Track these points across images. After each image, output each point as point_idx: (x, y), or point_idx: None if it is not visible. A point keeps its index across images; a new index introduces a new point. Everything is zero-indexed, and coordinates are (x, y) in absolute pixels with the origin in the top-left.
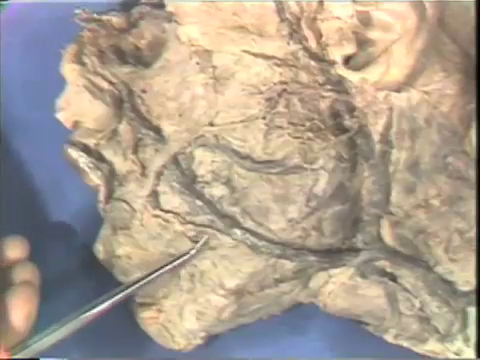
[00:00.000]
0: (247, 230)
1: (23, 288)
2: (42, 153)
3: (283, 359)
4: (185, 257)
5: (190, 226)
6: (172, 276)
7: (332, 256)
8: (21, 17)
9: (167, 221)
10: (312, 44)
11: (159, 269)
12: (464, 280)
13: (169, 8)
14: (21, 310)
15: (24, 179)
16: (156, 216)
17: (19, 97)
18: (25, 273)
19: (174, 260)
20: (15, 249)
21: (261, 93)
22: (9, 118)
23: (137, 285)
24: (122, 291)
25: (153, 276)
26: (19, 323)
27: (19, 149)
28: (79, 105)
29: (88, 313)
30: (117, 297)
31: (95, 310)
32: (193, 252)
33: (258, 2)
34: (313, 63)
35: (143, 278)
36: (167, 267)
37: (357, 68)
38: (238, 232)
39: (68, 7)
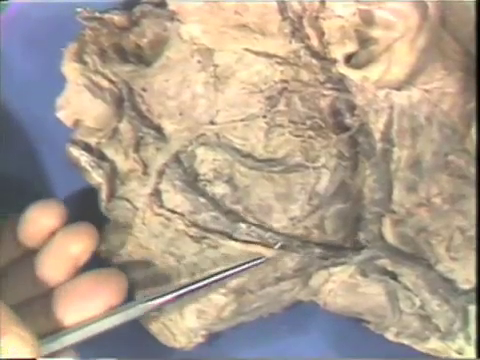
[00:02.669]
0: (252, 224)
1: (113, 275)
2: (42, 152)
3: (284, 359)
4: (256, 262)
5: (192, 225)
6: (172, 275)
7: (336, 250)
8: (22, 16)
9: (169, 220)
10: (314, 42)
11: (219, 273)
12: (465, 278)
13: (171, 7)
14: (102, 300)
15: (24, 177)
16: (158, 214)
17: (19, 96)
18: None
19: (242, 264)
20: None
21: (261, 92)
22: (9, 117)
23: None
24: (173, 292)
25: (212, 280)
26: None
27: (19, 148)
28: (79, 104)
29: (125, 311)
30: (165, 298)
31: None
32: (263, 259)
33: (260, 1)
34: (314, 61)
35: (198, 281)
36: (234, 270)
37: (358, 66)
38: (243, 226)
39: (69, 6)
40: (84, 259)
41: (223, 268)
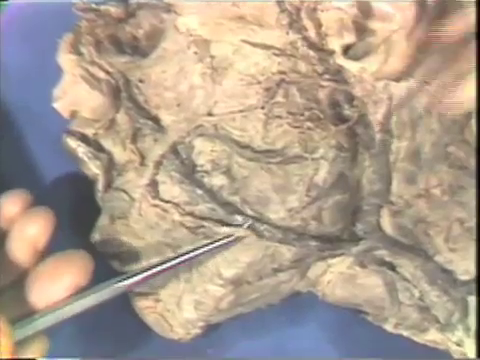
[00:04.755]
0: (248, 216)
1: (77, 256)
2: (40, 143)
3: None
4: (227, 240)
5: (188, 216)
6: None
7: (333, 242)
8: (21, 12)
9: (165, 211)
10: (311, 34)
11: (190, 252)
12: (464, 269)
13: None
14: (68, 280)
15: (22, 168)
16: (155, 206)
17: (17, 87)
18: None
19: (213, 242)
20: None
21: (259, 83)
22: (7, 108)
23: (153, 270)
24: (138, 274)
25: (182, 259)
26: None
27: (17, 139)
28: (76, 95)
29: (95, 294)
30: (135, 278)
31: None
32: (234, 237)
33: None
34: (312, 53)
35: (169, 260)
36: (206, 248)
37: (356, 58)
38: (239, 218)
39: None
40: (43, 242)
41: (194, 247)
